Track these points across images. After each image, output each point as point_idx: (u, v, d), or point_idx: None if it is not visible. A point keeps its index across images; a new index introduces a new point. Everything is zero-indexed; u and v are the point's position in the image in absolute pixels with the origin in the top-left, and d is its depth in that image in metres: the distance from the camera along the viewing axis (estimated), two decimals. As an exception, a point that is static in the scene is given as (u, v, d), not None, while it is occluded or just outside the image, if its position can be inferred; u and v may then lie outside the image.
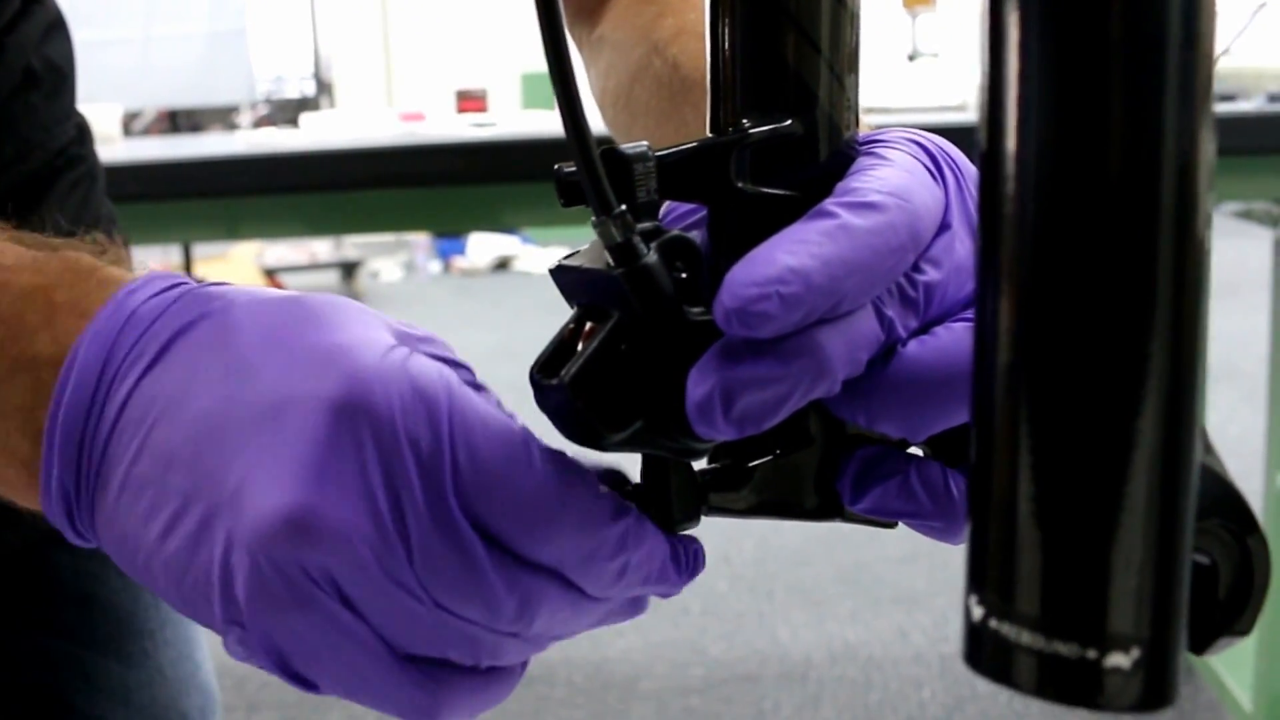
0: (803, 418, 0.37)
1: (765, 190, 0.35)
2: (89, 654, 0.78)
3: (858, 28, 0.35)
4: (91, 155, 0.82)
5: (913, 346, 0.34)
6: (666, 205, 0.38)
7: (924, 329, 0.35)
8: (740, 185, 0.35)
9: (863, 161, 0.35)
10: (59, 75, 0.77)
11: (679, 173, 0.34)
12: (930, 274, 0.34)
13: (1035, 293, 0.22)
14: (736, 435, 0.32)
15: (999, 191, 0.23)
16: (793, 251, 0.31)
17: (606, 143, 0.34)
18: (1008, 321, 0.23)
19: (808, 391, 0.32)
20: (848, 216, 0.32)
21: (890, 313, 0.33)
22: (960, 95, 2.10)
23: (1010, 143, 0.22)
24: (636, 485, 0.38)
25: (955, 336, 0.34)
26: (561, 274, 0.35)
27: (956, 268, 0.35)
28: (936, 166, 0.36)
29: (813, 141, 0.35)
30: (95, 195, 0.82)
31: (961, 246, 0.35)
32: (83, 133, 0.81)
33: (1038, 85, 0.22)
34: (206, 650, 0.87)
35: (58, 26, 0.79)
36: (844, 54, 0.35)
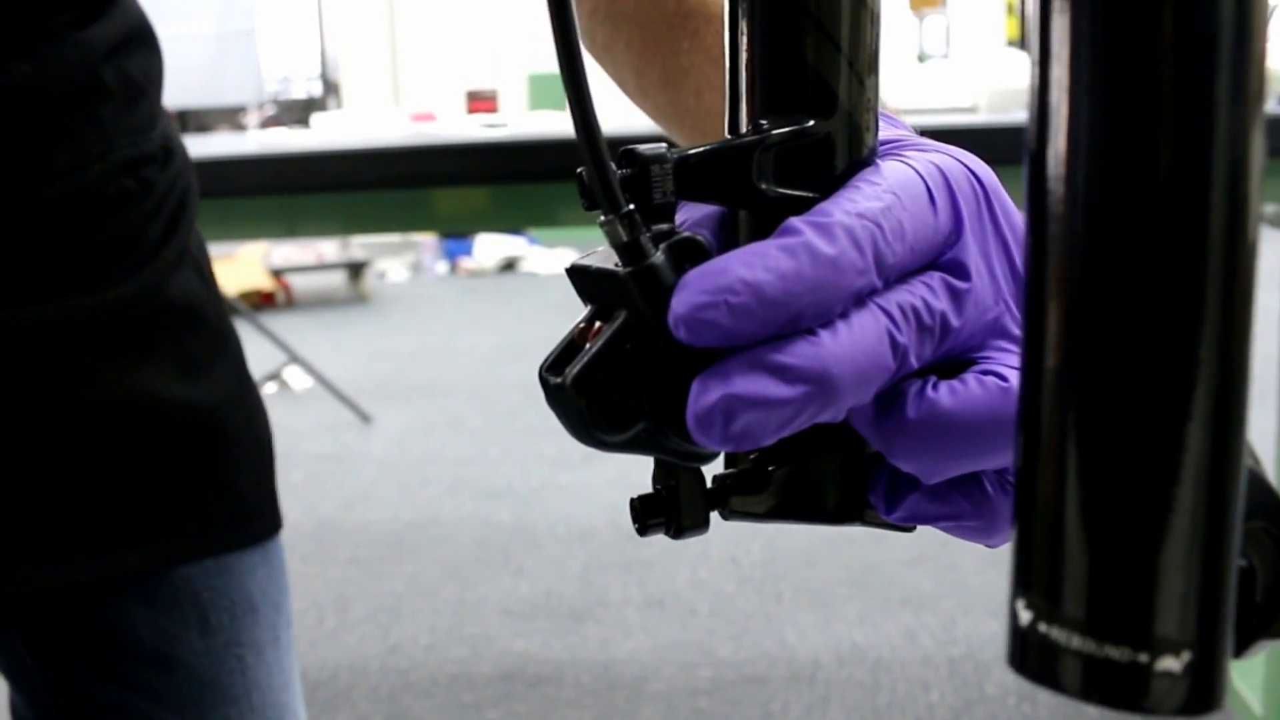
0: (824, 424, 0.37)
1: (786, 192, 0.34)
2: (168, 715, 0.77)
3: (878, 28, 0.35)
4: (177, 181, 0.79)
5: (944, 395, 0.33)
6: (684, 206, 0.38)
7: (947, 365, 0.35)
8: (763, 187, 0.34)
9: (862, 173, 0.35)
10: (135, 89, 0.75)
11: (699, 173, 0.34)
12: (943, 301, 0.34)
13: (1084, 294, 0.22)
14: (733, 449, 0.31)
15: (1048, 191, 0.23)
16: (748, 264, 0.31)
17: (625, 143, 0.34)
18: (1056, 323, 0.23)
19: (812, 416, 0.31)
20: (810, 235, 0.31)
21: (904, 340, 0.32)
22: (970, 97, 2.10)
23: (1060, 143, 0.22)
24: (647, 494, 0.38)
25: (988, 393, 0.34)
26: (575, 274, 0.35)
27: (975, 298, 0.34)
28: (949, 191, 0.35)
29: (833, 143, 0.35)
30: (184, 224, 0.78)
31: (978, 275, 0.35)
32: (169, 154, 0.78)
33: (1088, 85, 0.22)
34: (302, 718, 0.85)
35: (141, 39, 0.76)
36: (865, 54, 0.34)
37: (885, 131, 0.38)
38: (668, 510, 0.37)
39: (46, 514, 0.74)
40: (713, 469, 0.38)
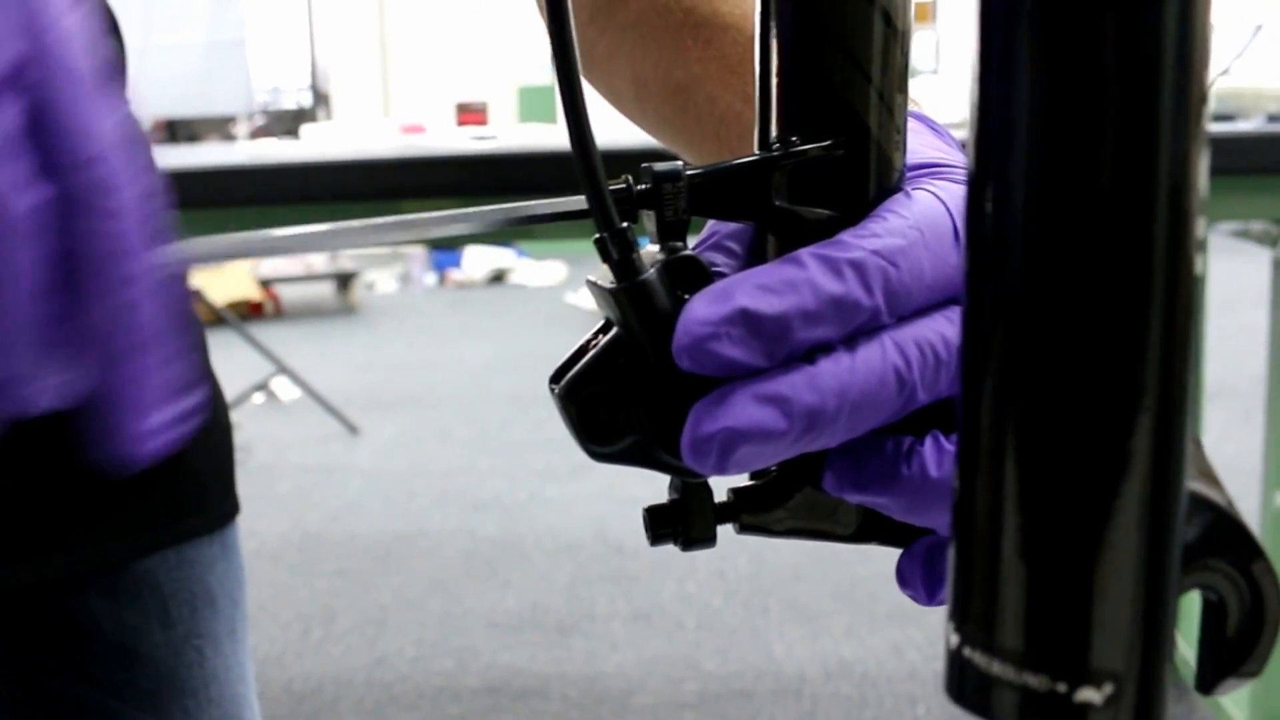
0: None
1: (806, 211, 0.34)
2: (126, 708, 0.77)
3: (908, 47, 0.34)
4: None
5: (931, 459, 0.33)
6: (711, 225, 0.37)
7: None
8: (778, 204, 0.34)
9: (889, 204, 0.34)
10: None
11: (714, 191, 0.34)
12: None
13: (1022, 320, 0.22)
14: (721, 475, 0.31)
15: (987, 211, 0.22)
16: (751, 295, 0.31)
17: (621, 158, 0.34)
18: (994, 347, 0.23)
19: (805, 447, 0.31)
20: (815, 270, 0.31)
21: (911, 377, 0.32)
22: (960, 113, 2.10)
23: (1001, 163, 0.22)
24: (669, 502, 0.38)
25: None
26: (590, 286, 0.35)
27: None
28: None
29: (856, 164, 0.34)
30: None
31: None
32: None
33: (1028, 105, 0.22)
34: (256, 710, 0.86)
35: (108, 27, 0.74)
36: (893, 77, 0.34)
37: (925, 152, 0.37)
38: (674, 522, 0.37)
39: (24, 511, 0.74)
40: (728, 481, 0.37)
